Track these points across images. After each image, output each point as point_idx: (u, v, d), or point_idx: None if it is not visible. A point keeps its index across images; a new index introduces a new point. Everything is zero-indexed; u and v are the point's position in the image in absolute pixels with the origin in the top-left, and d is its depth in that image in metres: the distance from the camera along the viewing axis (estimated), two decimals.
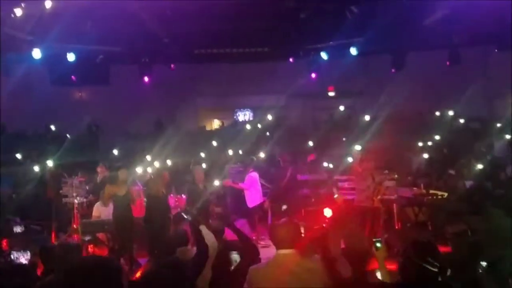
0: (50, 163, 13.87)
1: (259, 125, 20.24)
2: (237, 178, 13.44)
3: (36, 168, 13.70)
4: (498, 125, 17.26)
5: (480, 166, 14.29)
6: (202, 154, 16.85)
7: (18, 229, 10.87)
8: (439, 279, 4.34)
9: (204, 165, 13.70)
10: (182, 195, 13.14)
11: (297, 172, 14.11)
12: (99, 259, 2.59)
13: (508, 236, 7.09)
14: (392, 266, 5.21)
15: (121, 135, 19.36)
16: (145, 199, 12.03)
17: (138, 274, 7.16)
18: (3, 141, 15.73)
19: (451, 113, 18.86)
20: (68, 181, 12.58)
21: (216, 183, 12.82)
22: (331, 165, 15.19)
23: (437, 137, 17.30)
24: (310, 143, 17.73)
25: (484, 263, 4.99)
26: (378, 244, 5.12)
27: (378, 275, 4.89)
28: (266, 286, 4.48)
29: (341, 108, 20.98)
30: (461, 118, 18.64)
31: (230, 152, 16.40)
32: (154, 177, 12.37)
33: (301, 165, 15.77)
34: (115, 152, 17.35)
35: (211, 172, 14.26)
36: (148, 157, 15.63)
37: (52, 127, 19.77)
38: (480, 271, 4.95)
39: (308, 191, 14.21)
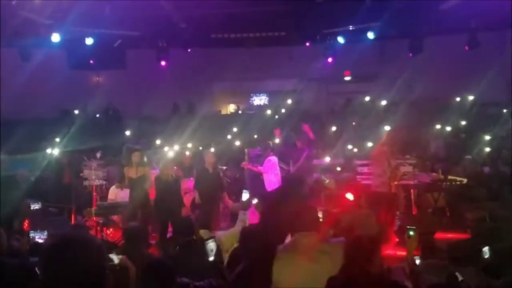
0: (65, 146, 13.95)
1: (269, 111, 20.19)
2: (257, 162, 13.45)
3: (54, 152, 13.77)
4: None
5: (496, 152, 14.22)
6: (229, 136, 16.89)
7: (36, 206, 10.90)
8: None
9: (212, 149, 13.65)
10: (191, 178, 13.10)
11: (312, 155, 14.03)
12: (75, 237, 2.27)
13: None
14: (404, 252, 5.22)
15: (138, 118, 19.44)
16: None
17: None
18: (21, 126, 15.85)
19: (470, 98, 18.70)
20: (87, 164, 12.68)
21: (224, 168, 12.84)
22: (355, 149, 15.11)
23: (455, 122, 17.19)
24: (333, 128, 17.63)
25: None
26: (411, 232, 5.10)
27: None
28: (282, 267, 4.50)
29: (367, 98, 20.80)
30: (481, 103, 18.48)
31: (245, 137, 16.42)
32: (165, 160, 12.28)
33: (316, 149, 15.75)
34: (127, 133, 17.45)
35: (226, 156, 14.31)
36: (158, 141, 15.68)
37: (76, 111, 19.90)
38: None
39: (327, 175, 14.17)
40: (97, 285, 2.12)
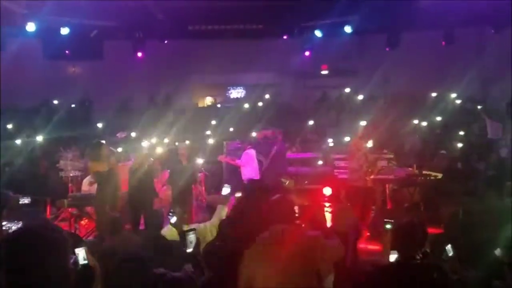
0: (40, 137, 13.79)
1: (246, 105, 20.18)
2: (235, 155, 13.43)
3: (28, 143, 13.63)
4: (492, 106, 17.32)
5: (470, 147, 14.39)
6: (207, 129, 16.82)
7: (25, 200, 10.75)
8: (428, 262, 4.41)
9: (187, 142, 13.58)
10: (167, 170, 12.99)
11: (284, 148, 14.00)
12: (34, 228, 2.15)
13: (500, 218, 7.13)
14: (376, 247, 5.28)
15: (114, 110, 19.30)
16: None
17: None
18: None
19: (446, 93, 18.87)
20: (64, 155, 12.55)
21: (200, 161, 12.78)
22: (332, 143, 15.16)
23: (431, 118, 17.33)
24: (310, 122, 17.67)
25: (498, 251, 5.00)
26: (388, 226, 5.15)
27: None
28: (258, 259, 4.53)
29: (347, 90, 20.86)
30: (456, 99, 18.65)
31: (222, 130, 16.40)
32: (140, 152, 12.12)
33: (293, 142, 15.76)
34: (100, 125, 17.30)
35: (204, 149, 14.26)
36: (134, 133, 15.57)
37: (54, 101, 19.69)
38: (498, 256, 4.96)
39: (302, 169, 14.21)
40: (55, 280, 2.03)
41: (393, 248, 4.65)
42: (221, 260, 4.92)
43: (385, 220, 5.24)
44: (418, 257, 4.42)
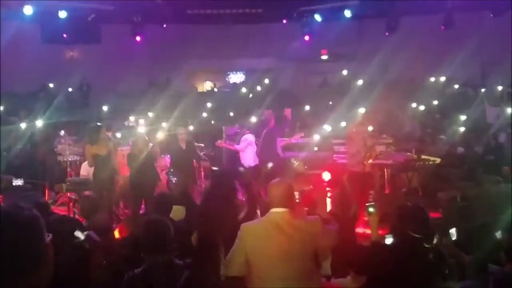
0: (39, 122, 13.78)
1: (244, 89, 20.15)
2: (234, 140, 13.42)
3: (26, 127, 13.59)
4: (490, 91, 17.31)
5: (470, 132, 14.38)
6: (205, 114, 16.78)
7: (18, 182, 10.77)
8: (426, 245, 4.44)
9: (186, 127, 13.56)
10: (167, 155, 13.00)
11: (274, 131, 13.88)
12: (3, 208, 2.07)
13: (498, 202, 7.17)
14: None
15: (112, 94, 19.25)
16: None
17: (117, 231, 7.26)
18: None
19: (443, 78, 18.85)
20: (62, 140, 12.54)
21: (199, 146, 12.79)
22: (330, 128, 15.13)
23: (430, 102, 17.32)
24: (307, 107, 17.65)
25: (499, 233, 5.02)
26: (371, 209, 5.18)
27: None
28: (256, 242, 4.54)
29: (344, 72, 20.82)
30: (455, 83, 18.63)
31: (221, 115, 16.38)
32: (139, 137, 12.10)
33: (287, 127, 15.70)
34: (105, 109, 17.27)
35: (202, 134, 14.25)
36: (132, 118, 15.54)
37: (51, 85, 19.63)
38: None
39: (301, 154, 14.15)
40: (28, 259, 2.00)
41: (391, 231, 4.67)
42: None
43: (367, 204, 5.26)
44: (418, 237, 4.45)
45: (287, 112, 14.26)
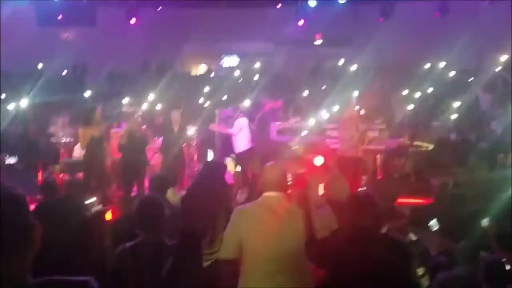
0: (29, 102, 13.70)
1: (238, 71, 20.09)
2: (227, 123, 13.38)
3: (17, 107, 13.51)
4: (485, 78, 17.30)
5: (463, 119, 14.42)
6: (200, 97, 16.72)
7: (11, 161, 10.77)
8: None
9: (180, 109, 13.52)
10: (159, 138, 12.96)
11: (268, 118, 13.86)
12: None
13: (490, 189, 7.19)
14: None
15: (107, 76, 19.18)
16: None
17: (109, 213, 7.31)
18: None
19: (440, 64, 18.82)
20: (55, 121, 12.51)
21: (191, 130, 12.77)
22: (324, 113, 15.13)
23: (424, 89, 17.31)
24: (304, 92, 17.63)
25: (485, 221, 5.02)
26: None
27: None
28: (249, 225, 4.58)
29: (340, 62, 20.77)
30: (450, 70, 18.62)
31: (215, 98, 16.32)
32: (132, 119, 12.07)
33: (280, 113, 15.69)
34: (99, 91, 17.19)
35: (196, 117, 14.23)
36: (126, 100, 15.48)
37: (40, 66, 19.49)
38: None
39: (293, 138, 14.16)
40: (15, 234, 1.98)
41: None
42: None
43: (359, 189, 5.27)
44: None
45: (279, 103, 14.27)
